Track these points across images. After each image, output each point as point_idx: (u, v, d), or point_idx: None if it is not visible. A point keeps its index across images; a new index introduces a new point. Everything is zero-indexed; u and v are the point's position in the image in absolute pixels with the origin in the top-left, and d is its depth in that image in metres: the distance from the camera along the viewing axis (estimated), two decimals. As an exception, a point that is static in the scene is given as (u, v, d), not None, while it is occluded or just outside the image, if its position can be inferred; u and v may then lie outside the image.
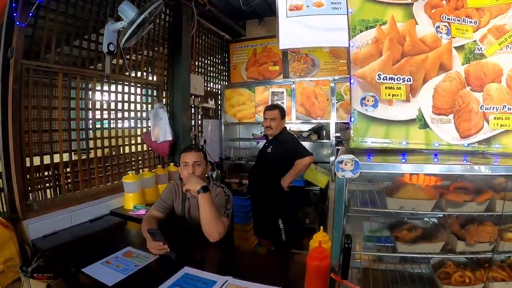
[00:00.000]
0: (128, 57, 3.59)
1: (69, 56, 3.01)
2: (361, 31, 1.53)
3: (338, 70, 4.99)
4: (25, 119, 2.64)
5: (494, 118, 1.46)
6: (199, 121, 4.98)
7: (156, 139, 3.80)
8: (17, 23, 2.46)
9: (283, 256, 2.64)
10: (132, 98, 3.75)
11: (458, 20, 1.52)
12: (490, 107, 1.46)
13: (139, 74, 3.89)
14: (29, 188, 2.70)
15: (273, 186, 3.45)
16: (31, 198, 2.68)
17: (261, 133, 5.31)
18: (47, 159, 2.86)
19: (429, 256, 1.44)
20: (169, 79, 4.26)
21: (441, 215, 1.54)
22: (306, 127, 5.07)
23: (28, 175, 2.70)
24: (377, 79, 1.48)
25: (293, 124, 5.09)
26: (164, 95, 4.19)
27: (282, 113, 3.58)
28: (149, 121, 3.87)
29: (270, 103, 5.03)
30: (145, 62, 3.91)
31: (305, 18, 1.84)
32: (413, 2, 1.51)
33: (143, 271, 1.97)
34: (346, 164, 1.18)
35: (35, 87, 2.74)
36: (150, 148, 3.99)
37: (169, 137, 3.84)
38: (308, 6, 1.82)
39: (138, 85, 3.81)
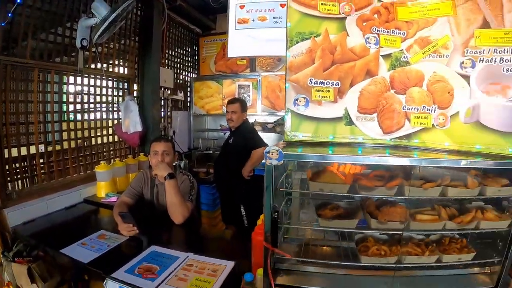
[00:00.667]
0: (100, 49, 3.71)
1: (44, 51, 3.13)
2: (297, 42, 1.74)
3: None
4: (2, 113, 2.76)
5: (415, 117, 1.67)
6: (169, 113, 5.13)
7: (127, 130, 3.94)
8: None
9: (242, 238, 2.88)
10: (104, 91, 3.88)
11: (388, 32, 1.73)
12: (412, 108, 1.68)
13: (111, 68, 4.01)
14: (8, 179, 2.84)
15: (234, 175, 3.68)
16: (9, 188, 2.82)
17: (228, 124, 5.51)
18: (24, 151, 2.99)
19: (345, 230, 1.70)
20: (139, 72, 4.38)
21: (360, 198, 1.80)
22: (271, 119, 5.27)
23: (7, 166, 2.82)
24: (309, 83, 1.71)
25: (259, 116, 5.26)
26: (135, 88, 4.34)
27: (243, 106, 3.81)
28: (120, 113, 4.01)
29: (237, 95, 5.21)
30: (116, 55, 4.04)
31: (250, 30, 2.05)
32: (346, 17, 1.73)
33: (115, 250, 2.21)
34: (272, 154, 1.41)
35: (12, 82, 2.86)
36: (121, 139, 4.14)
37: (139, 128, 3.99)
38: (253, 20, 2.04)
39: (109, 78, 3.95)
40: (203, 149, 5.66)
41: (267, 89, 5.16)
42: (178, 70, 5.52)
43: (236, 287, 1.67)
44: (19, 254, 2.40)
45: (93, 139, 3.79)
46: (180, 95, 5.30)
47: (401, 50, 1.72)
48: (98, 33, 2.98)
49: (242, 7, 2.03)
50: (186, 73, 5.82)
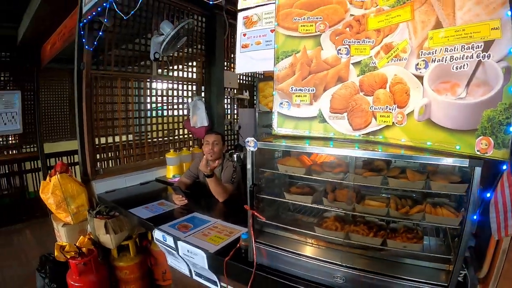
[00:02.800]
0: (171, 59, 4.53)
1: (124, 62, 4.03)
2: (282, 59, 2.14)
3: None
4: (94, 111, 3.71)
5: (380, 116, 1.85)
6: (235, 110, 5.80)
7: (195, 125, 4.73)
8: (86, 47, 3.46)
9: None
10: (175, 93, 4.73)
11: (358, 42, 1.93)
12: (378, 108, 1.86)
13: (180, 74, 4.82)
14: (98, 158, 3.80)
15: None
16: (98, 166, 3.79)
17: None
18: (110, 140, 3.95)
19: (302, 203, 2.04)
20: (206, 76, 5.12)
21: (321, 182, 2.10)
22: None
23: (97, 150, 3.79)
24: (290, 90, 2.14)
25: None
26: (202, 89, 5.10)
27: None
28: (189, 110, 4.79)
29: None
30: (185, 62, 4.84)
31: (250, 52, 2.51)
32: (321, 33, 2.06)
33: (168, 213, 3.00)
34: (250, 143, 1.88)
35: (100, 89, 3.81)
36: (190, 132, 4.94)
37: (206, 123, 4.73)
38: (252, 44, 2.49)
39: (179, 82, 4.76)
40: (268, 143, 6.15)
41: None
42: (243, 72, 6.07)
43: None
44: (100, 213, 3.29)
45: (166, 132, 4.66)
46: (245, 94, 5.93)
47: (370, 56, 1.89)
48: (163, 46, 3.71)
49: (244, 35, 2.53)
50: (252, 74, 6.37)
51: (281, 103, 2.18)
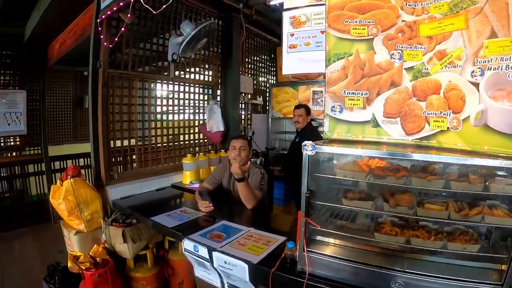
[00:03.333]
0: (188, 61, 4.39)
1: (142, 63, 3.89)
2: (334, 62, 2.10)
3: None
4: (110, 112, 3.54)
5: (433, 121, 1.86)
6: (249, 115, 5.71)
7: (211, 129, 4.60)
8: (104, 44, 3.32)
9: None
10: (192, 96, 4.59)
11: (410, 47, 1.93)
12: (431, 113, 1.87)
13: (197, 77, 4.69)
14: (112, 163, 3.62)
15: (300, 170, 4.08)
16: (113, 170, 3.61)
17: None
18: (126, 143, 3.77)
19: (363, 209, 1.96)
20: (222, 80, 5.02)
21: (380, 186, 1.98)
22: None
23: (112, 154, 3.61)
24: (343, 94, 2.07)
25: None
26: (218, 93, 4.98)
27: (307, 111, 4.31)
28: (205, 114, 4.66)
29: (311, 101, 5.62)
30: (202, 65, 4.71)
31: (298, 53, 2.45)
32: (374, 37, 2.03)
33: (193, 221, 2.81)
34: (308, 146, 1.79)
35: (118, 89, 3.64)
36: (205, 137, 4.80)
37: (222, 128, 4.60)
38: (300, 45, 2.44)
39: (196, 85, 4.64)
40: (279, 149, 6.09)
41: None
42: (257, 77, 6.06)
43: (281, 253, 2.08)
44: (116, 221, 3.10)
45: (181, 136, 4.51)
46: (259, 100, 5.86)
47: (423, 62, 1.91)
48: (182, 46, 3.59)
49: (292, 35, 2.45)
50: (265, 80, 6.34)
51: (333, 107, 2.11)
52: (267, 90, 6.34)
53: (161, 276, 3.36)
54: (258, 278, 2.06)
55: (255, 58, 6.02)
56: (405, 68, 1.97)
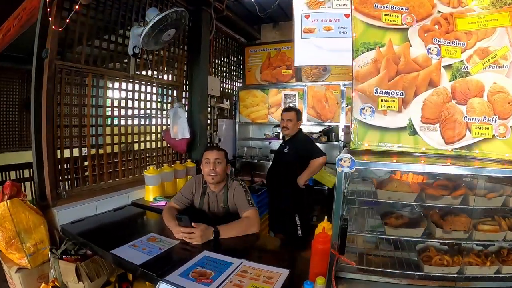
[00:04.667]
0: (151, 57, 3.85)
1: (98, 57, 3.30)
2: (362, 52, 1.76)
3: (348, 76, 5.09)
4: (57, 115, 2.89)
5: (476, 128, 1.66)
6: (215, 121, 5.24)
7: (175, 136, 4.04)
8: (53, 27, 2.72)
9: (293, 247, 2.81)
10: (154, 97, 4.03)
11: (448, 42, 1.73)
12: (473, 118, 1.67)
13: (160, 76, 4.16)
14: (60, 178, 2.96)
15: (289, 184, 3.69)
16: (60, 187, 2.94)
17: (273, 133, 5.56)
18: (75, 152, 3.12)
19: (412, 239, 1.68)
20: (188, 80, 4.52)
21: (424, 207, 1.77)
22: (317, 129, 5.30)
23: (59, 166, 2.95)
24: (374, 93, 1.72)
25: (304, 126, 5.18)
26: (183, 95, 4.46)
27: (298, 115, 3.82)
28: (169, 119, 4.11)
29: (282, 105, 5.29)
30: (166, 63, 4.16)
31: (316, 40, 2.09)
32: (409, 27, 1.74)
33: (167, 253, 2.21)
34: (344, 161, 1.43)
35: (67, 86, 3.01)
36: (169, 145, 4.26)
37: (187, 135, 4.07)
38: (319, 30, 2.07)
39: (159, 85, 4.09)
40: (247, 157, 5.72)
41: (313, 99, 5.19)
42: (224, 79, 5.64)
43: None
44: (66, 253, 2.48)
45: (142, 144, 3.91)
46: (226, 104, 5.40)
47: (461, 60, 1.72)
48: (144, 32, 3.05)
49: (307, 16, 2.06)
50: (232, 82, 5.95)
51: (363, 109, 1.74)
52: (234, 94, 5.95)
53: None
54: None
55: (223, 59, 5.62)
56: (443, 66, 1.74)
